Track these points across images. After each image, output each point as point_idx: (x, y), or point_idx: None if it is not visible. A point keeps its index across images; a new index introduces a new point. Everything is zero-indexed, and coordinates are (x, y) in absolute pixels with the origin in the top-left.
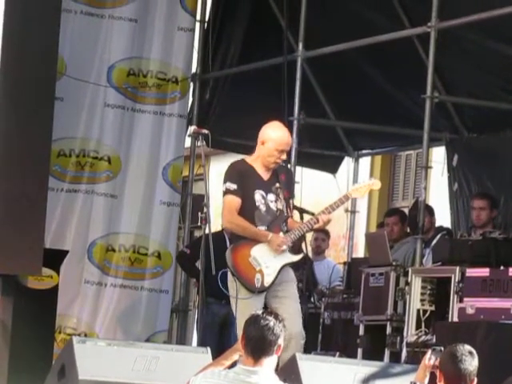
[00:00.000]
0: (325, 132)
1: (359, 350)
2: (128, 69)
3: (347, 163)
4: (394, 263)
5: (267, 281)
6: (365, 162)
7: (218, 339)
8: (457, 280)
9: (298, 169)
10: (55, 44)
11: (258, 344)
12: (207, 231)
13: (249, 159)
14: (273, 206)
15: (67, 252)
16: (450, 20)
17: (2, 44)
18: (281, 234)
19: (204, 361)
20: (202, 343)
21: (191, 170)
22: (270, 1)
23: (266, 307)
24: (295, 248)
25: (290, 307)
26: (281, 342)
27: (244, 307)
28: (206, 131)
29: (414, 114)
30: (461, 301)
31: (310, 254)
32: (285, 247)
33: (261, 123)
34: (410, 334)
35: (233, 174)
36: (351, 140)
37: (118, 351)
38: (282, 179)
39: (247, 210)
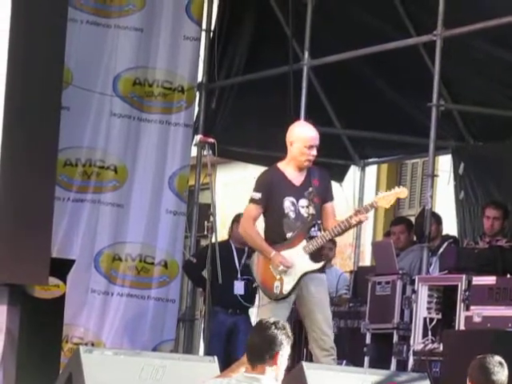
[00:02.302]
0: (331, 141)
1: (366, 359)
2: (134, 78)
3: (353, 172)
4: (400, 272)
5: (286, 289)
6: (371, 170)
7: (224, 348)
8: (463, 288)
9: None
10: (61, 54)
11: (255, 351)
12: (213, 240)
13: (281, 164)
14: (304, 211)
15: (74, 261)
16: (456, 28)
17: (8, 54)
18: (304, 241)
19: (211, 370)
20: (208, 352)
21: (197, 179)
22: (275, 10)
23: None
24: (317, 256)
25: (319, 320)
26: (279, 349)
27: (263, 314)
28: (212, 140)
29: (420, 123)
30: (467, 309)
31: None
32: (281, 268)
33: (267, 132)
34: (417, 342)
35: (260, 183)
36: (357, 148)
37: (124, 360)
38: (315, 184)
39: (276, 218)
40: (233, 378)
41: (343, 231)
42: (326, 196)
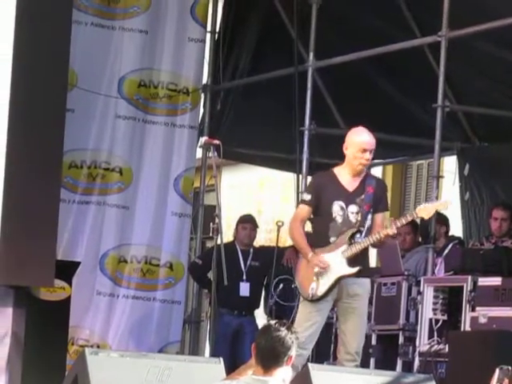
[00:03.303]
0: (336, 142)
1: (371, 360)
2: (139, 80)
3: None
4: (406, 273)
5: (321, 290)
6: (376, 171)
7: (230, 350)
8: (469, 289)
9: (310, 179)
10: (66, 56)
11: (268, 354)
12: (219, 242)
13: (337, 169)
14: (352, 217)
15: (79, 263)
16: (461, 29)
17: (13, 56)
18: (344, 246)
19: (217, 371)
20: (214, 354)
21: (202, 180)
22: (280, 11)
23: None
24: (354, 261)
25: (351, 324)
26: (291, 353)
27: (301, 312)
28: (217, 142)
29: (425, 124)
30: (473, 310)
31: None
32: (317, 269)
33: (272, 133)
34: (423, 343)
35: (311, 184)
36: None
37: (130, 362)
38: (369, 191)
39: (323, 221)
40: (240, 380)
41: (379, 240)
42: (378, 205)
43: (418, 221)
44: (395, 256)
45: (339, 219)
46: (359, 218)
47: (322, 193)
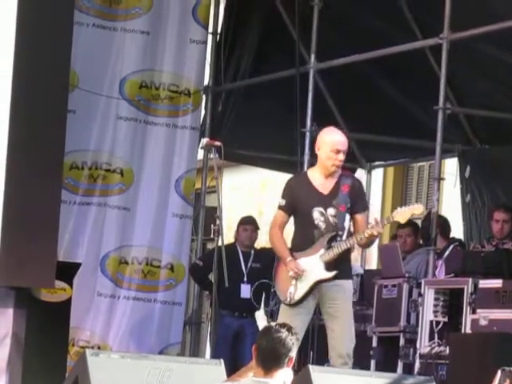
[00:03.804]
0: None
1: (372, 362)
2: (140, 81)
3: (360, 175)
4: (406, 275)
5: (298, 294)
6: (377, 173)
7: (231, 351)
8: (470, 291)
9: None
10: (68, 57)
11: (269, 356)
12: (220, 243)
13: (310, 171)
14: (332, 220)
15: (80, 265)
16: (462, 31)
17: (14, 57)
18: (322, 250)
19: (217, 373)
20: (215, 355)
21: (204, 182)
22: (282, 13)
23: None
24: (331, 265)
25: (339, 327)
26: (292, 354)
27: (281, 316)
28: (218, 143)
29: (426, 126)
30: (474, 312)
31: None
32: (291, 273)
33: (273, 135)
34: (423, 345)
35: (285, 189)
36: (364, 152)
37: (131, 364)
38: (343, 191)
39: (306, 229)
40: (241, 381)
41: (357, 243)
42: (356, 206)
43: (419, 223)
44: (396, 258)
45: (322, 225)
46: (337, 221)
47: (297, 199)
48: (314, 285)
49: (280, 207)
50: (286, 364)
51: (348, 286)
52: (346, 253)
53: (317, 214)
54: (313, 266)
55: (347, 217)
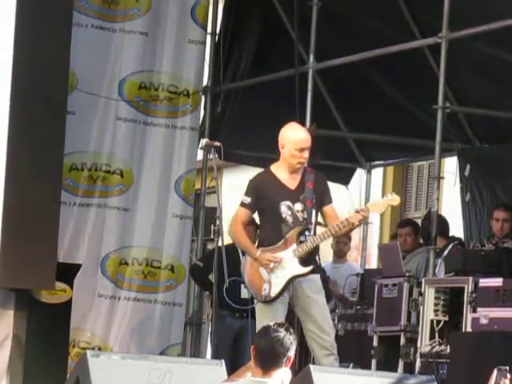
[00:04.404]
0: (337, 144)
1: (373, 361)
2: (139, 82)
3: (359, 174)
4: (407, 274)
5: (274, 291)
6: (377, 173)
7: (231, 352)
8: (470, 290)
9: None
10: (67, 58)
11: (267, 355)
12: (220, 244)
13: (274, 167)
14: (300, 216)
15: (80, 266)
16: (461, 30)
17: (13, 58)
18: (294, 245)
19: (218, 373)
20: (216, 356)
21: (203, 182)
22: (280, 13)
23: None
24: (306, 259)
25: (318, 319)
26: (291, 354)
27: (259, 314)
28: (217, 144)
29: (425, 125)
30: (474, 311)
31: (331, 258)
32: (272, 265)
33: (273, 135)
34: (424, 344)
35: (251, 186)
36: (363, 151)
37: (132, 364)
38: (309, 187)
39: (274, 223)
40: (240, 381)
41: (333, 235)
42: (323, 199)
43: (419, 222)
44: (396, 257)
45: (289, 219)
46: (305, 216)
47: (264, 194)
48: (289, 280)
49: (244, 205)
50: (284, 364)
51: (318, 279)
52: (318, 247)
53: (284, 207)
54: (286, 261)
55: (313, 212)
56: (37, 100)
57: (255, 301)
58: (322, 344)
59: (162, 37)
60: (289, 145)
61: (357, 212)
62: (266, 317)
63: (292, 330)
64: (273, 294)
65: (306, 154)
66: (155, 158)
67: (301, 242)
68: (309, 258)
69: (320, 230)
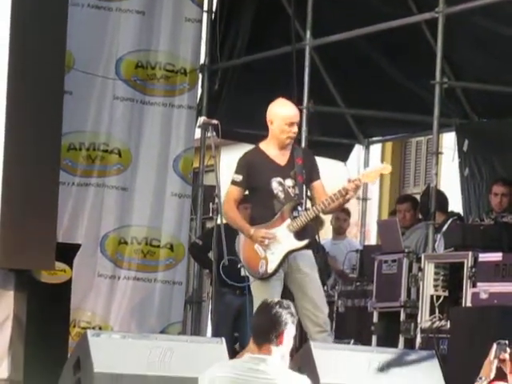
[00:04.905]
0: (335, 120)
1: (373, 337)
2: (136, 61)
3: (358, 151)
4: (406, 250)
5: (271, 267)
6: (375, 149)
7: (232, 330)
8: (470, 265)
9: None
10: (63, 38)
11: (259, 331)
12: (219, 222)
13: (263, 144)
14: (291, 191)
15: (80, 246)
16: (458, 5)
17: (10, 39)
18: (288, 220)
19: (219, 351)
20: (216, 334)
21: (202, 161)
22: None
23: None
24: (301, 234)
25: (311, 296)
26: (282, 329)
27: (256, 292)
28: (215, 122)
29: (423, 101)
30: (474, 286)
31: (331, 234)
32: (267, 242)
33: None
34: (424, 319)
35: (241, 164)
36: (361, 127)
37: (132, 343)
38: (298, 163)
39: (266, 200)
40: (239, 360)
41: (327, 208)
42: (312, 175)
43: (418, 197)
44: (395, 233)
45: (281, 195)
46: (297, 192)
47: (254, 172)
48: (286, 255)
49: (235, 183)
50: (276, 339)
51: (312, 255)
52: (309, 224)
53: (275, 184)
54: (281, 236)
55: (304, 188)
56: (34, 80)
57: (251, 280)
58: (315, 321)
59: (159, 15)
60: (278, 120)
61: (349, 181)
62: (263, 294)
63: (289, 307)
64: (270, 270)
65: (296, 129)
66: (153, 137)
67: (294, 217)
68: (303, 232)
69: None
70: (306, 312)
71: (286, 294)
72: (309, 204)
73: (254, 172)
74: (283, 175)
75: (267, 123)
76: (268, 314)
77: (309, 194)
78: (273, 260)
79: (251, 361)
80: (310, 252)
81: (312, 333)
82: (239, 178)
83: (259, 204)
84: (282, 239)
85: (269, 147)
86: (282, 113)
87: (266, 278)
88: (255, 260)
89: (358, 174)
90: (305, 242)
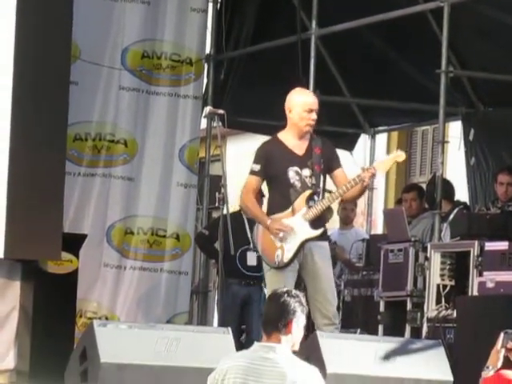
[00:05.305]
0: (341, 110)
1: (380, 327)
2: (142, 51)
3: (364, 140)
4: (412, 239)
5: (286, 256)
6: (381, 138)
7: (238, 319)
8: (476, 254)
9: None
10: (69, 28)
11: (268, 320)
12: (225, 212)
13: (281, 134)
14: (308, 181)
15: (86, 236)
16: None
17: (16, 29)
18: (304, 209)
19: (225, 341)
20: (222, 324)
21: (208, 151)
22: None
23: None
24: (317, 223)
25: (323, 288)
26: (292, 317)
27: (270, 282)
28: (221, 112)
29: (429, 90)
30: (480, 275)
31: (338, 225)
32: (281, 234)
33: (276, 102)
34: (431, 309)
35: (258, 154)
36: (367, 117)
37: (138, 333)
38: (316, 153)
39: (282, 189)
40: (249, 350)
41: (346, 195)
42: (332, 164)
43: (424, 187)
44: (401, 222)
45: (298, 184)
46: (313, 181)
47: (272, 161)
48: (301, 244)
49: (254, 172)
50: (284, 328)
51: (327, 247)
52: (325, 212)
53: (292, 173)
54: (297, 226)
55: (321, 178)
56: (40, 71)
57: (264, 269)
58: (324, 313)
59: (164, 5)
60: (297, 107)
61: (363, 170)
62: (276, 284)
63: (297, 296)
64: (286, 260)
65: (315, 116)
66: (159, 127)
67: (310, 207)
68: (319, 221)
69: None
70: (317, 303)
71: (300, 284)
72: (326, 194)
73: (272, 161)
74: (300, 165)
75: (285, 112)
76: (276, 303)
77: (331, 184)
78: (289, 249)
79: (261, 349)
80: (326, 244)
81: (320, 325)
82: (257, 167)
83: (276, 193)
84: (297, 228)
85: (287, 137)
86: (300, 100)
87: (281, 267)
88: (271, 249)
89: (373, 163)
90: (320, 231)
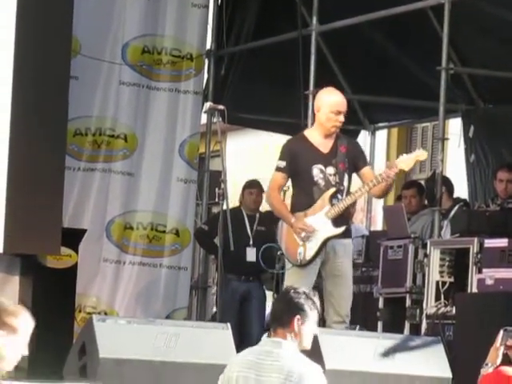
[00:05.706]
0: None
1: (379, 323)
2: (142, 46)
3: (364, 136)
4: (412, 235)
5: (309, 254)
6: (381, 135)
7: (237, 315)
8: (475, 251)
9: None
10: (69, 23)
11: (274, 315)
12: (225, 207)
13: (308, 132)
14: (332, 179)
15: (85, 231)
16: None
17: (16, 25)
18: (327, 207)
19: (224, 337)
20: (221, 319)
21: (208, 146)
22: None
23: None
24: (339, 221)
25: (340, 286)
26: (296, 314)
27: (289, 279)
28: (221, 107)
29: (429, 86)
30: (480, 272)
31: None
32: (303, 234)
33: (276, 98)
34: (430, 305)
35: (284, 151)
36: (367, 113)
37: (138, 329)
38: (342, 151)
39: (305, 187)
40: (256, 346)
41: (370, 190)
42: (358, 163)
43: (423, 183)
44: (401, 219)
45: (321, 182)
46: (337, 180)
47: (297, 158)
48: (323, 242)
49: (279, 169)
50: (288, 324)
51: (350, 245)
52: (349, 211)
53: (316, 171)
54: (319, 224)
55: (346, 176)
56: (40, 66)
57: (287, 266)
58: (337, 310)
59: (165, 0)
60: (325, 107)
61: (387, 168)
62: (296, 282)
63: (305, 293)
64: (308, 257)
65: (342, 118)
66: (159, 123)
67: (333, 205)
68: (341, 219)
69: None
70: (331, 299)
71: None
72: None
73: (296, 158)
74: (325, 163)
75: (314, 110)
76: (283, 300)
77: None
78: (311, 247)
79: (268, 344)
80: (349, 241)
81: (331, 321)
82: (283, 164)
83: (300, 190)
84: (319, 226)
85: (313, 134)
86: (329, 100)
87: (303, 265)
88: (294, 247)
89: (395, 161)
90: (342, 229)
